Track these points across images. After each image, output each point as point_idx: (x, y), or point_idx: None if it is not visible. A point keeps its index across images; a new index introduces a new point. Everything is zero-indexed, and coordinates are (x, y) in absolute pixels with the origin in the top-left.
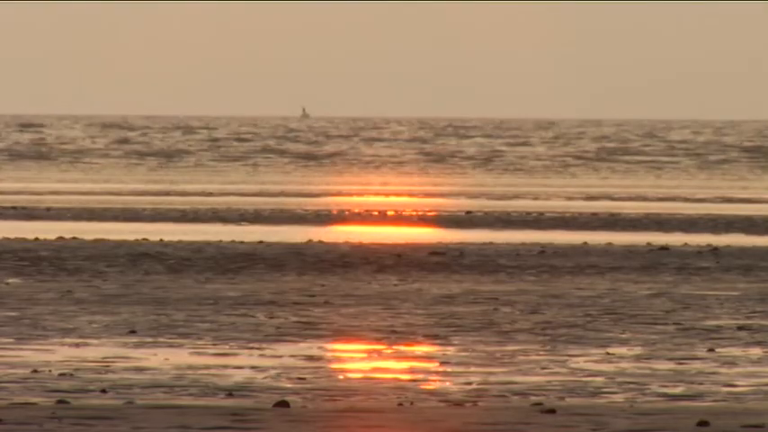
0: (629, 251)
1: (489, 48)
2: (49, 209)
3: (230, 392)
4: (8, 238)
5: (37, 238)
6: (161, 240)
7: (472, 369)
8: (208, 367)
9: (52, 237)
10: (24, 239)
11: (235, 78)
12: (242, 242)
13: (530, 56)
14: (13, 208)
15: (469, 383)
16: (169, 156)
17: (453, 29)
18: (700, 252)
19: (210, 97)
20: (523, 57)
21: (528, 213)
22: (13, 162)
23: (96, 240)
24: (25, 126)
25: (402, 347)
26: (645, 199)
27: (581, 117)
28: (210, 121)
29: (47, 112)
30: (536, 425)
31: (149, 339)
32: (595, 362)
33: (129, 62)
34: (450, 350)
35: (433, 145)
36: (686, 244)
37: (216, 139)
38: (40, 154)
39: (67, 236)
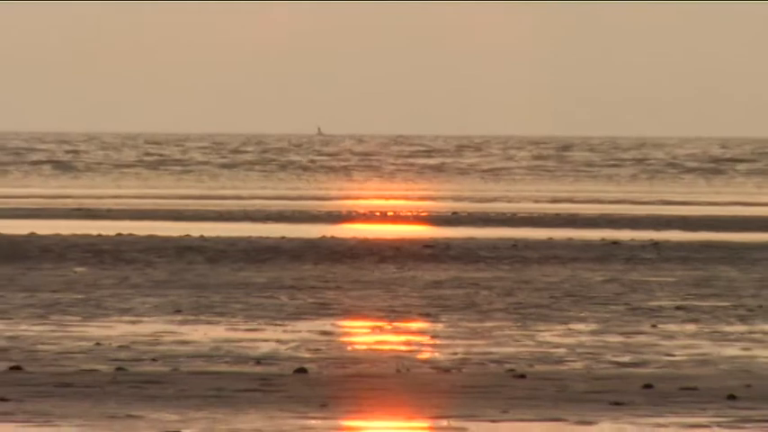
0: (587, 245)
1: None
2: (109, 210)
3: (258, 361)
4: (75, 235)
5: (99, 234)
6: (201, 236)
7: (457, 342)
8: (240, 340)
9: (112, 233)
10: (89, 235)
11: (252, 96)
12: (268, 237)
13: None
14: (79, 209)
15: (455, 354)
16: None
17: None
18: (644, 246)
19: (232, 115)
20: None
21: (503, 213)
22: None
23: (148, 236)
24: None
25: (399, 324)
26: (600, 202)
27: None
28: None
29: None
30: (510, 387)
31: (192, 317)
32: (558, 336)
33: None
34: (439, 326)
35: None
36: (633, 239)
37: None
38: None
39: (125, 232)
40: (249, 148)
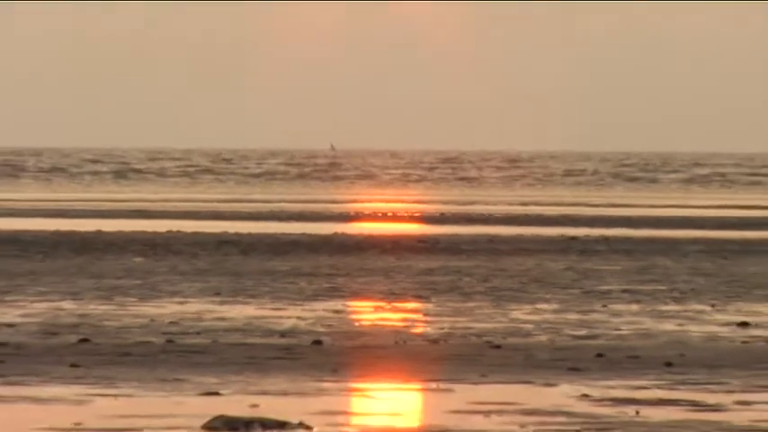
0: (550, 239)
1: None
2: (160, 211)
3: (283, 334)
4: (134, 231)
5: (154, 231)
6: (236, 232)
7: (444, 318)
8: (268, 317)
9: (164, 230)
10: (145, 232)
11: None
12: (290, 233)
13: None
14: (136, 211)
15: (442, 328)
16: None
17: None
18: (596, 240)
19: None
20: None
21: (481, 214)
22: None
23: (193, 233)
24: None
25: (397, 304)
26: (560, 204)
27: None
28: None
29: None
30: (487, 356)
31: (229, 299)
32: (527, 314)
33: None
34: (430, 306)
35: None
36: (587, 235)
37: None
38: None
39: (174, 229)
40: (271, 161)
